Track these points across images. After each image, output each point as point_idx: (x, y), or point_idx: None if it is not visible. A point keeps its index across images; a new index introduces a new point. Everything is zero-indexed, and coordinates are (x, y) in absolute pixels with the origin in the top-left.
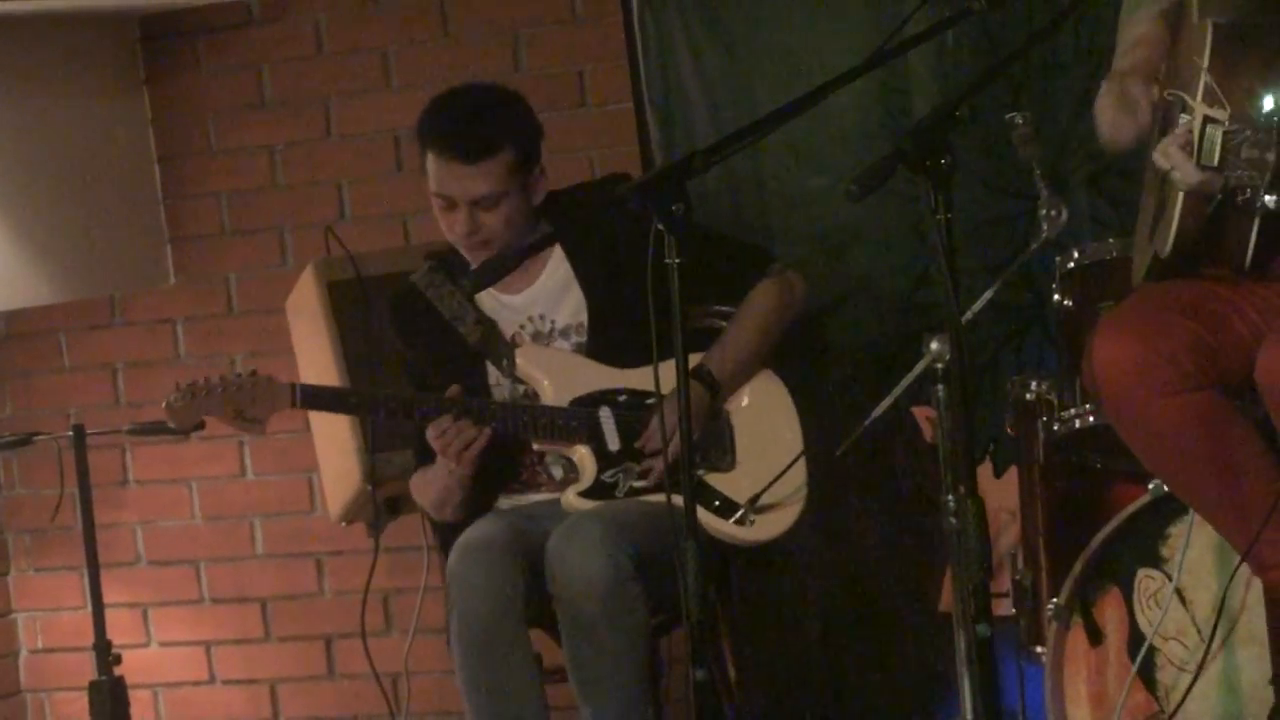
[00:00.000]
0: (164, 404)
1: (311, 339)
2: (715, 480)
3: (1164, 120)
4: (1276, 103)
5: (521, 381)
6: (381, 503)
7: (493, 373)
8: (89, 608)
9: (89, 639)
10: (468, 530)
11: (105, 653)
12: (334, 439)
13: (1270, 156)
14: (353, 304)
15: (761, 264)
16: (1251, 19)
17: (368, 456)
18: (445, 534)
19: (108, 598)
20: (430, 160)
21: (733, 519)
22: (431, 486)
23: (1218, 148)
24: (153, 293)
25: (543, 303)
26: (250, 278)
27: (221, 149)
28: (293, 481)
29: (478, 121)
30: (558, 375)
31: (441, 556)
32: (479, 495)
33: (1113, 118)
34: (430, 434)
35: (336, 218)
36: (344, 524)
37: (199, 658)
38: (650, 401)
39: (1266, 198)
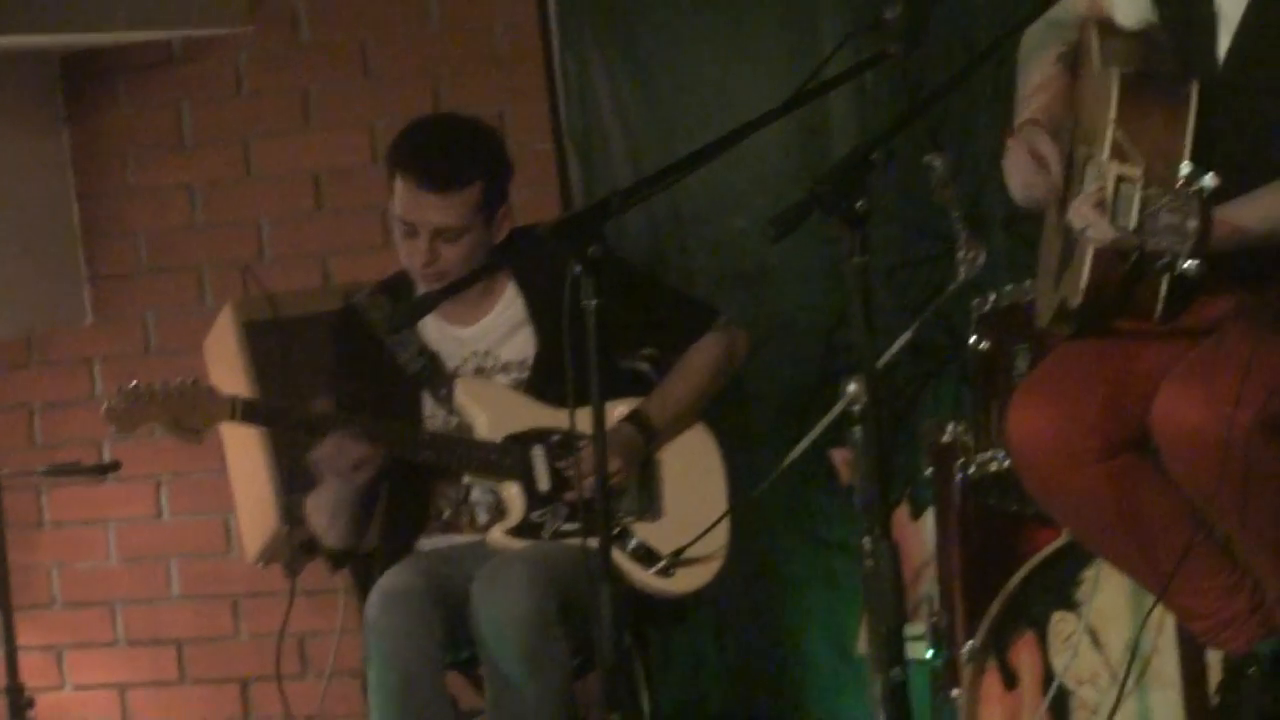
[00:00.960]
0: (105, 407)
1: (227, 379)
2: (642, 529)
3: (1069, 170)
4: (1195, 167)
5: (458, 413)
6: (298, 544)
7: (428, 403)
8: (2, 650)
9: (1, 682)
10: (386, 577)
11: (18, 696)
12: (251, 479)
13: (1192, 224)
14: (270, 344)
15: (708, 318)
16: (1154, 67)
17: (284, 497)
18: (361, 576)
19: (21, 640)
20: (399, 185)
21: (653, 569)
22: (324, 504)
23: (1134, 210)
24: (70, 332)
25: (492, 337)
26: (169, 317)
27: (141, 187)
28: (209, 523)
29: (451, 152)
30: (495, 410)
31: (357, 599)
32: (372, 523)
33: (1024, 178)
34: (322, 450)
35: (255, 257)
36: (260, 565)
37: (113, 700)
38: (583, 444)
39: (1187, 264)
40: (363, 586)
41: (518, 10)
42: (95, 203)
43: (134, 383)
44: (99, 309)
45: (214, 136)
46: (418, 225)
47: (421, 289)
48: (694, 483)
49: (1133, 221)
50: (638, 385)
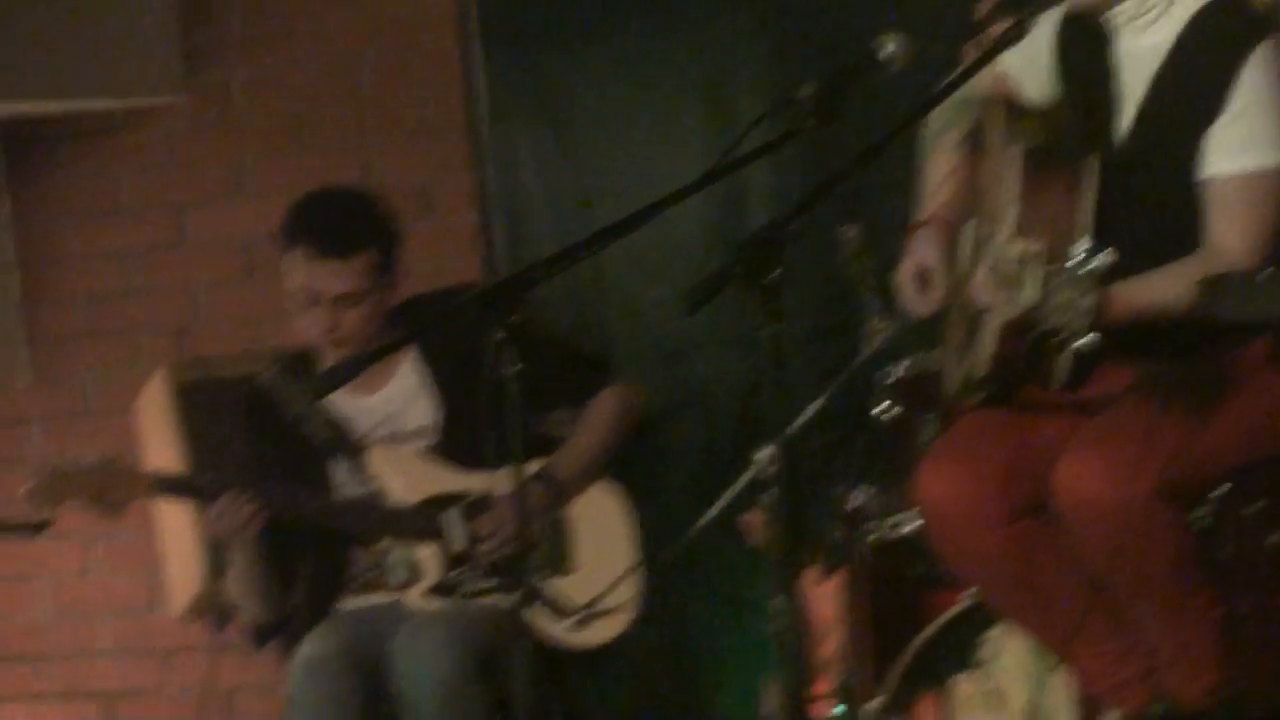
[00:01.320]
0: (25, 489)
1: (159, 439)
2: (554, 584)
3: (976, 246)
4: (1092, 245)
5: (370, 481)
6: (223, 601)
7: (339, 471)
8: None
9: None
10: (307, 644)
11: None
12: (178, 537)
13: (1088, 301)
14: (202, 407)
15: (605, 374)
16: (1056, 144)
17: (211, 553)
18: (284, 634)
19: None
20: (296, 257)
21: (568, 623)
22: (238, 577)
23: (1037, 286)
24: (9, 392)
25: (396, 404)
26: (105, 379)
27: (79, 253)
28: (137, 580)
29: (346, 219)
30: (407, 475)
31: (281, 654)
32: (294, 591)
33: (910, 298)
34: (208, 516)
35: (189, 322)
36: (188, 621)
37: None
38: (495, 504)
39: (1088, 339)
40: (283, 645)
41: (445, 84)
42: (35, 267)
43: (53, 464)
44: (38, 370)
45: (150, 204)
46: (320, 293)
47: (329, 358)
48: (603, 538)
49: (1035, 297)
50: (544, 448)
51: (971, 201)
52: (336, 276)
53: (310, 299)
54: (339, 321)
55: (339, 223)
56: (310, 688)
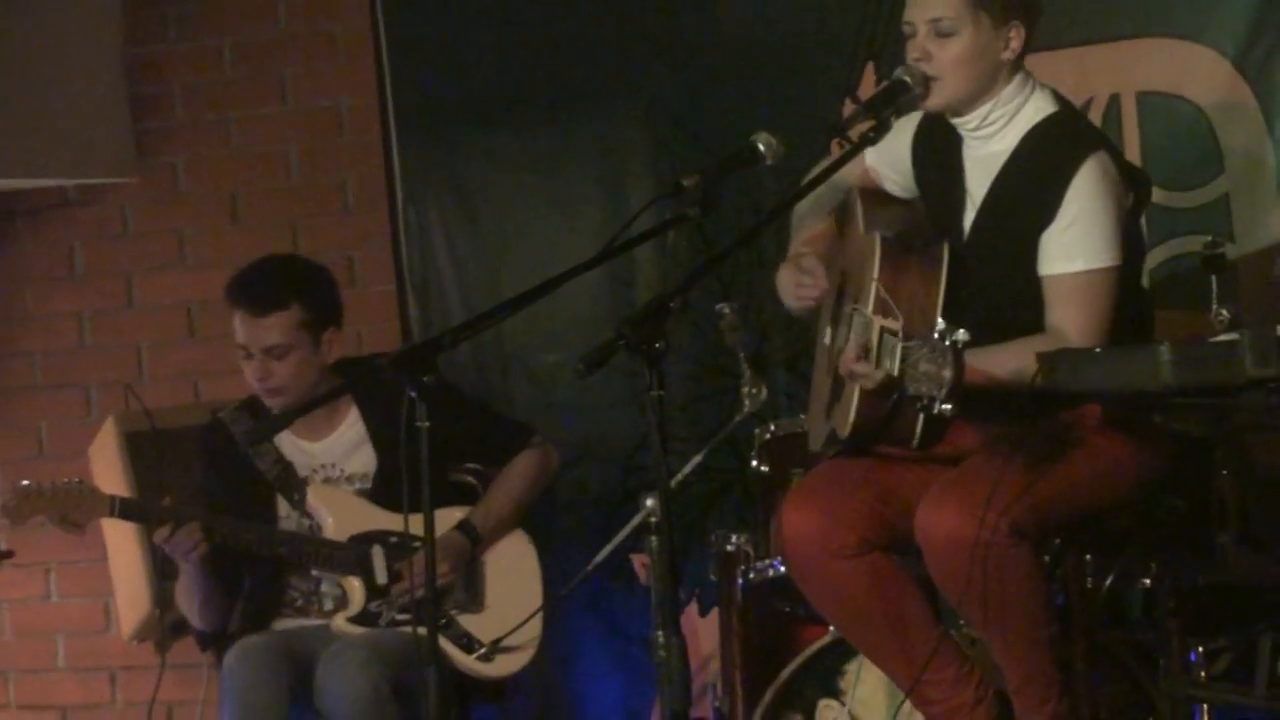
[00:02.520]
0: (0, 503)
1: (109, 481)
2: (466, 620)
3: (838, 320)
4: (948, 323)
5: (309, 516)
6: (168, 624)
7: (283, 505)
8: None
9: None
10: (245, 638)
11: None
12: (128, 567)
13: (947, 373)
14: (147, 452)
15: (524, 436)
16: (909, 229)
17: (156, 584)
18: (222, 653)
19: None
20: (236, 318)
21: (475, 655)
22: (184, 591)
23: (897, 359)
24: None
25: (337, 452)
26: (59, 427)
27: (37, 314)
28: (91, 604)
29: (270, 281)
30: (341, 513)
31: (219, 672)
32: (235, 606)
33: (795, 290)
34: (157, 538)
35: (136, 377)
36: (135, 642)
37: None
38: (416, 545)
39: (943, 406)
40: (218, 649)
41: (367, 167)
42: None
43: (25, 481)
44: (0, 418)
45: (101, 271)
46: (250, 347)
47: (274, 405)
48: (512, 581)
49: (895, 368)
50: (465, 495)
51: (835, 269)
52: (261, 331)
53: (245, 352)
54: (269, 371)
55: (260, 284)
56: (244, 667)
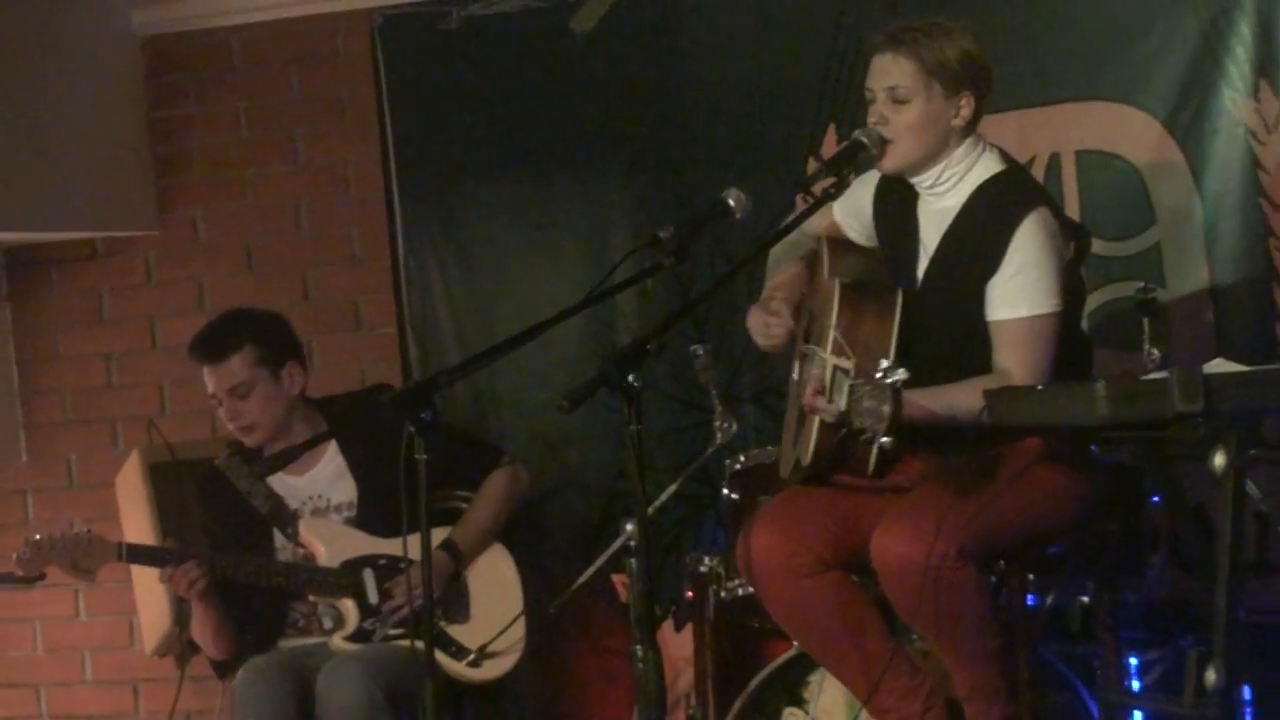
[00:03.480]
0: (15, 556)
1: (134, 508)
2: (454, 630)
3: (804, 359)
4: (891, 363)
5: (302, 546)
6: (186, 640)
7: (278, 538)
8: None
9: None
10: (254, 658)
11: None
12: (150, 588)
13: (886, 409)
14: (169, 482)
15: (495, 458)
16: (868, 277)
17: (176, 603)
18: (226, 673)
19: None
20: (202, 371)
21: (465, 661)
22: (197, 625)
23: (845, 395)
24: (7, 469)
25: (320, 484)
26: (88, 458)
27: (68, 355)
28: (117, 621)
29: (219, 330)
30: (331, 542)
31: (230, 683)
32: (245, 634)
33: (764, 330)
34: (161, 576)
35: (158, 413)
36: (157, 657)
37: None
38: (404, 565)
39: (883, 440)
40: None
41: (371, 221)
42: (31, 366)
43: (37, 536)
44: (31, 451)
45: (127, 316)
46: (219, 393)
47: (263, 448)
48: (495, 592)
49: (844, 404)
50: (448, 517)
51: (804, 310)
52: (218, 375)
53: (215, 400)
54: (239, 411)
55: (217, 335)
56: (253, 685)
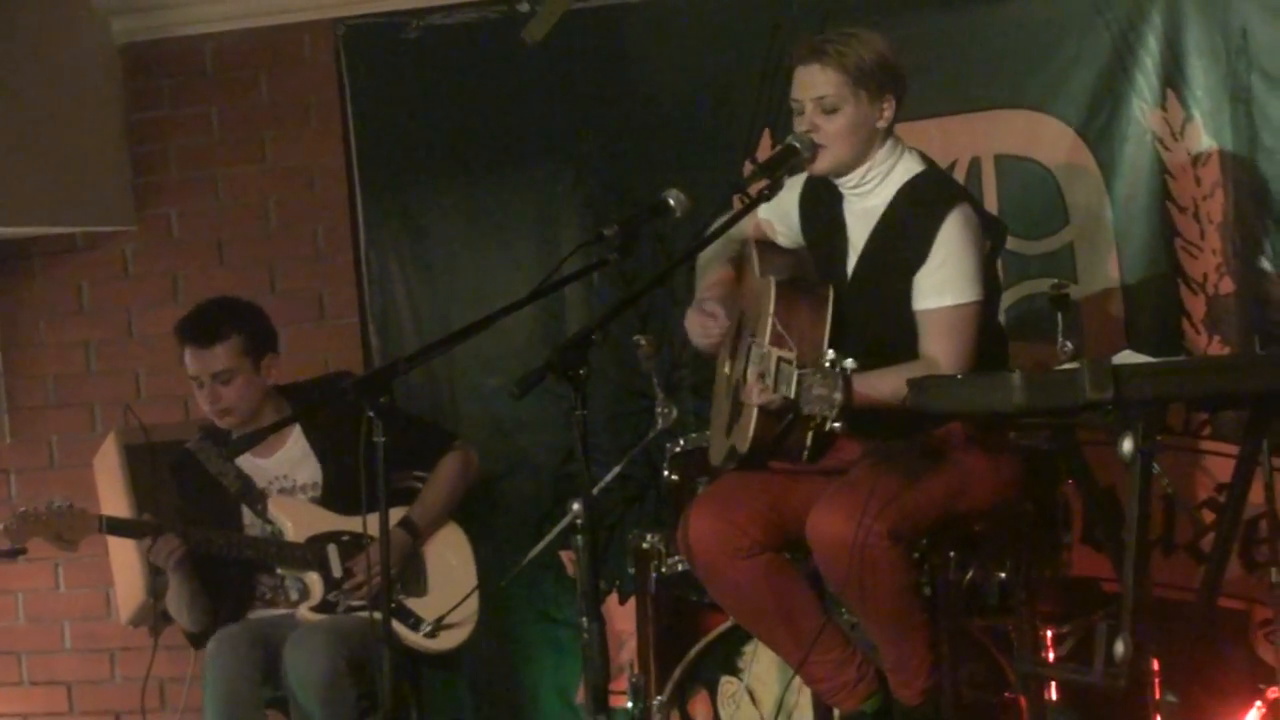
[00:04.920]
0: (2, 528)
1: (111, 487)
2: (412, 603)
3: (737, 349)
4: (837, 353)
5: (271, 522)
6: (160, 611)
7: (247, 515)
8: None
9: None
10: (224, 629)
11: None
12: (125, 562)
13: (838, 396)
14: (144, 462)
15: (448, 441)
16: (799, 274)
17: (150, 577)
18: (200, 645)
19: None
20: (186, 352)
21: (422, 632)
22: (173, 599)
23: (793, 384)
24: None
25: (287, 466)
26: (68, 440)
27: (49, 343)
28: (94, 593)
29: (211, 316)
30: (298, 519)
31: (203, 654)
32: (217, 606)
33: (701, 330)
34: (141, 549)
35: (134, 398)
36: (132, 626)
37: None
38: (366, 541)
39: (835, 424)
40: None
41: (335, 218)
42: (15, 353)
43: (22, 508)
44: (16, 432)
45: (105, 306)
46: (201, 376)
47: (233, 431)
48: (450, 567)
49: (792, 392)
50: (405, 497)
51: (734, 308)
52: (209, 359)
53: (197, 381)
54: (219, 396)
55: (204, 320)
56: (222, 654)
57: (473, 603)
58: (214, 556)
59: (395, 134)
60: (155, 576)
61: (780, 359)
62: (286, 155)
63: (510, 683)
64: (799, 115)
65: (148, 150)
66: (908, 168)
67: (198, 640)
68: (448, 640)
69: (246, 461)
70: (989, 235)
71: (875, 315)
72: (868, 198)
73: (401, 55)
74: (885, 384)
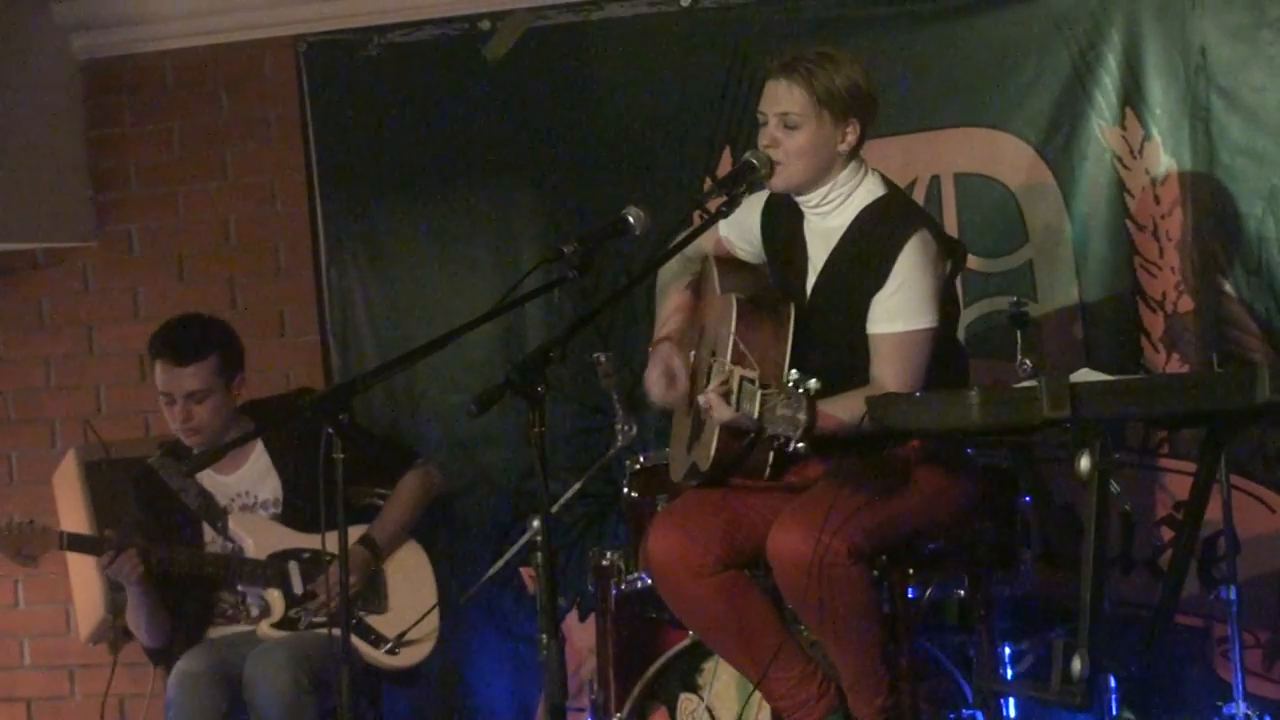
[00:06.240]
0: None
1: (70, 504)
2: (373, 620)
3: (697, 367)
4: (800, 374)
5: (231, 540)
6: (120, 628)
7: (208, 532)
8: None
9: None
10: (184, 660)
11: None
12: (85, 580)
13: (802, 416)
14: (103, 479)
15: (409, 459)
16: (760, 292)
17: (110, 594)
18: (159, 661)
19: None
20: (158, 367)
21: (384, 649)
22: (132, 614)
23: (756, 403)
24: None
25: (248, 482)
26: (27, 456)
27: (9, 359)
28: (54, 610)
29: (189, 334)
30: (259, 536)
31: (163, 670)
32: (177, 622)
33: (661, 392)
34: (100, 565)
35: (95, 413)
36: (91, 644)
37: None
38: (327, 559)
39: (798, 445)
40: (167, 666)
41: (295, 234)
42: None
43: None
44: None
45: (66, 322)
46: (174, 394)
47: (195, 445)
48: (411, 584)
49: (755, 411)
50: (366, 515)
51: (694, 330)
52: (183, 378)
53: (168, 398)
54: (190, 415)
55: (185, 339)
56: (184, 695)
57: (433, 619)
58: (174, 573)
59: (356, 151)
60: (114, 593)
61: (743, 378)
62: (247, 172)
63: (470, 699)
64: (763, 128)
65: (108, 166)
66: (870, 190)
67: (157, 656)
68: (409, 657)
69: (208, 478)
70: (949, 257)
71: (834, 335)
72: (828, 218)
73: (362, 72)
74: (842, 408)
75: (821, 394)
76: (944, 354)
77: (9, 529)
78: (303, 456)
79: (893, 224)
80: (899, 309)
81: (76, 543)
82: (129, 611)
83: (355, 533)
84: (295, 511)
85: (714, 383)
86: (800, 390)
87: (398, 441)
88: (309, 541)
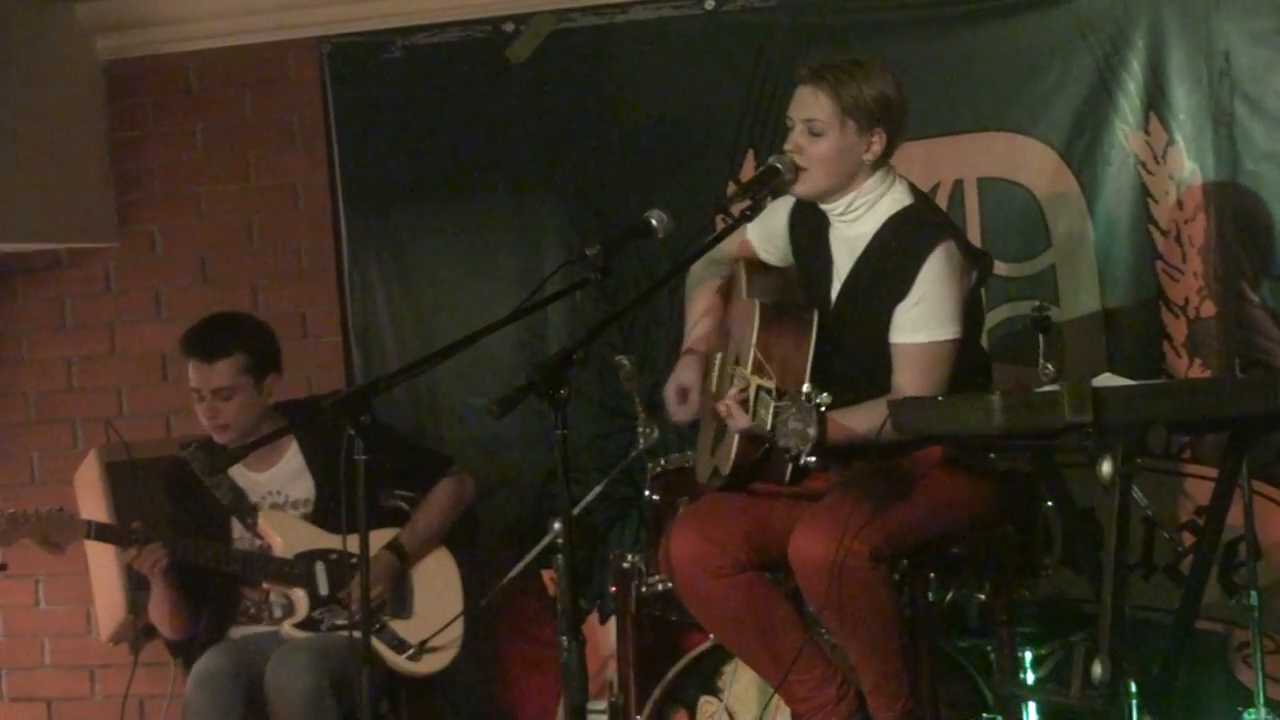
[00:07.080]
0: None
1: (92, 504)
2: (397, 625)
3: (721, 372)
4: (814, 387)
5: (260, 537)
6: (140, 628)
7: (237, 528)
8: None
9: None
10: (202, 660)
11: None
12: (106, 579)
13: (811, 431)
14: (125, 479)
15: (445, 465)
16: (787, 298)
17: (131, 594)
18: (186, 654)
19: None
20: (189, 365)
21: (405, 655)
22: (155, 607)
23: (770, 415)
24: None
25: (280, 480)
26: (49, 456)
27: (32, 359)
28: (74, 610)
29: (216, 332)
30: (287, 534)
31: (183, 671)
32: (200, 615)
33: (673, 409)
34: (126, 557)
35: (116, 414)
36: (112, 644)
37: None
38: (354, 561)
39: (808, 459)
40: (186, 663)
41: (318, 236)
42: None
43: (12, 510)
44: None
45: (88, 323)
46: (201, 390)
47: (226, 444)
48: (437, 591)
49: (769, 423)
50: (396, 518)
51: (721, 337)
52: (210, 375)
53: (197, 395)
54: (218, 411)
55: (212, 337)
56: (203, 694)
57: (457, 627)
58: (199, 569)
59: (379, 153)
60: (135, 593)
61: (760, 387)
62: (270, 173)
63: (492, 702)
64: (790, 131)
65: (131, 167)
66: (896, 199)
67: (178, 649)
68: (431, 664)
69: (240, 475)
70: (975, 267)
71: (857, 343)
72: (853, 225)
73: (386, 74)
74: (861, 419)
75: (843, 402)
76: (968, 360)
77: (37, 515)
78: (335, 457)
79: (918, 234)
80: (922, 319)
81: (103, 532)
82: (152, 605)
83: (385, 535)
84: (326, 512)
85: (733, 390)
86: (811, 404)
87: (433, 448)
88: (338, 542)
